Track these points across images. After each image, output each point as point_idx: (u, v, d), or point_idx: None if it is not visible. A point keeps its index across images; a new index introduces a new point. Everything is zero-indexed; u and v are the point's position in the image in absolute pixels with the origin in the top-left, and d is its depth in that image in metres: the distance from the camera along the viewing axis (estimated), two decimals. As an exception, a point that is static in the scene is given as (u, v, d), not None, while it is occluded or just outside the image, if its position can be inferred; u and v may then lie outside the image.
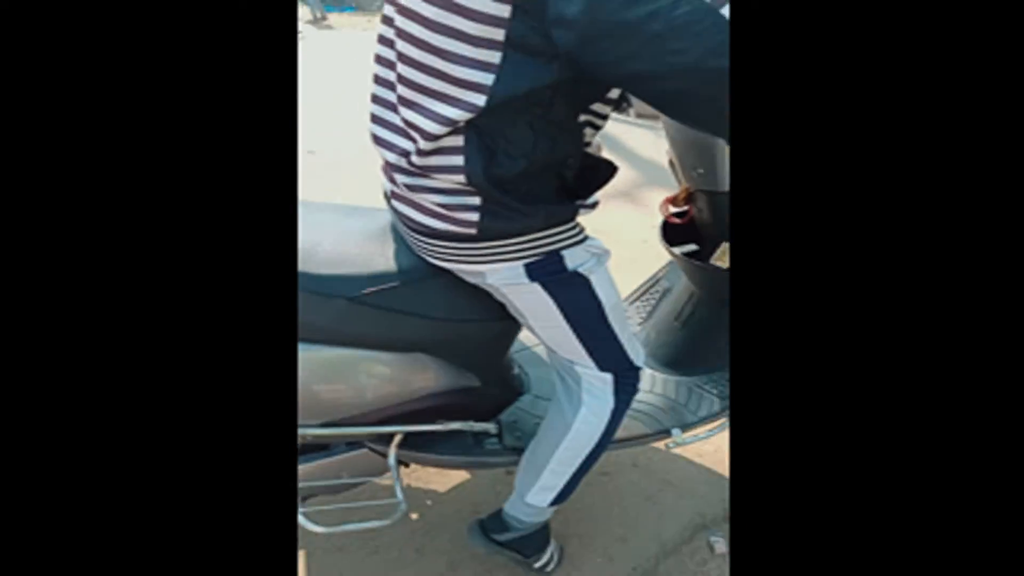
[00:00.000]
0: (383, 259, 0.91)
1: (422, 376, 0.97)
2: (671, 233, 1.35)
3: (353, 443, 1.05)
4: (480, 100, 0.66)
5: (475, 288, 0.91)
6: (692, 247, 1.36)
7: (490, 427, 1.12)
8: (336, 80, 3.61)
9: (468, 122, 0.69)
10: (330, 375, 0.91)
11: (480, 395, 1.06)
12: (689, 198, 1.29)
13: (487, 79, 0.65)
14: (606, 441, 0.99)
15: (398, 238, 0.94)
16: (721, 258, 1.26)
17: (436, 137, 0.71)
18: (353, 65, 3.82)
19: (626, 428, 1.16)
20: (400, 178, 0.79)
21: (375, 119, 0.81)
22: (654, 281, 1.54)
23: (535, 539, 1.14)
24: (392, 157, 0.78)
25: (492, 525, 1.13)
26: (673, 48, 0.55)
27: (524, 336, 1.27)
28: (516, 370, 1.22)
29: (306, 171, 2.68)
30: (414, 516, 1.31)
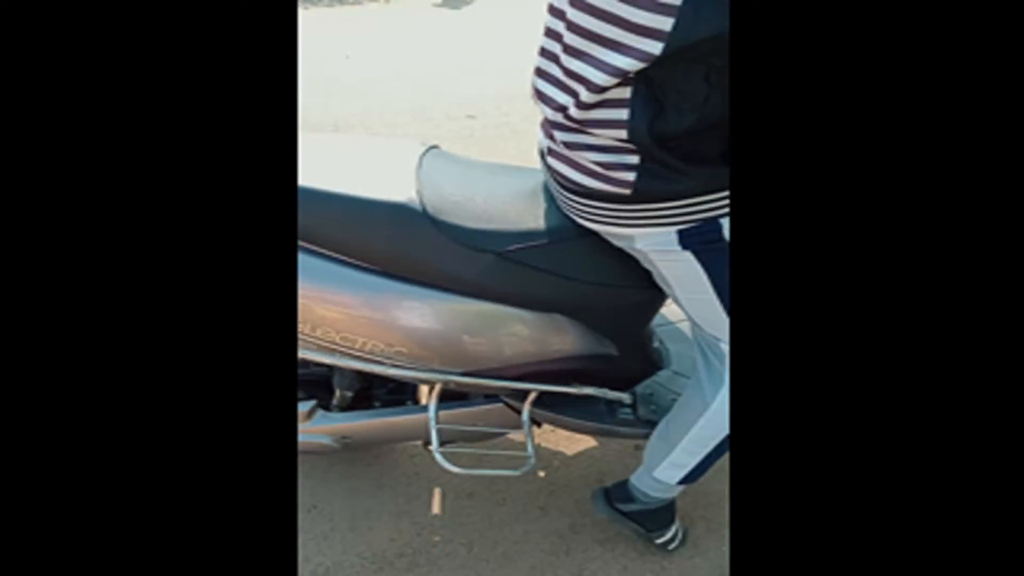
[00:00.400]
0: (532, 217, 0.91)
1: (559, 338, 0.98)
2: None
3: (490, 396, 1.09)
4: (656, 48, 0.63)
5: (622, 253, 0.89)
6: None
7: (624, 397, 1.11)
8: (485, 46, 3.70)
9: (638, 73, 0.66)
10: (473, 327, 0.94)
11: (617, 364, 1.05)
12: None
13: (665, 24, 0.61)
14: None
15: (549, 198, 0.94)
16: None
17: (603, 89, 0.68)
18: (503, 31, 3.90)
19: None
20: (558, 135, 0.78)
21: (539, 72, 0.79)
22: None
23: (660, 515, 1.14)
24: (550, 112, 0.77)
25: (617, 494, 1.13)
26: None
27: (668, 310, 1.24)
28: (657, 344, 1.20)
29: (466, 135, 2.80)
30: (541, 474, 1.36)
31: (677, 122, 0.69)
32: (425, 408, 1.05)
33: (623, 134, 0.71)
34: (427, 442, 1.11)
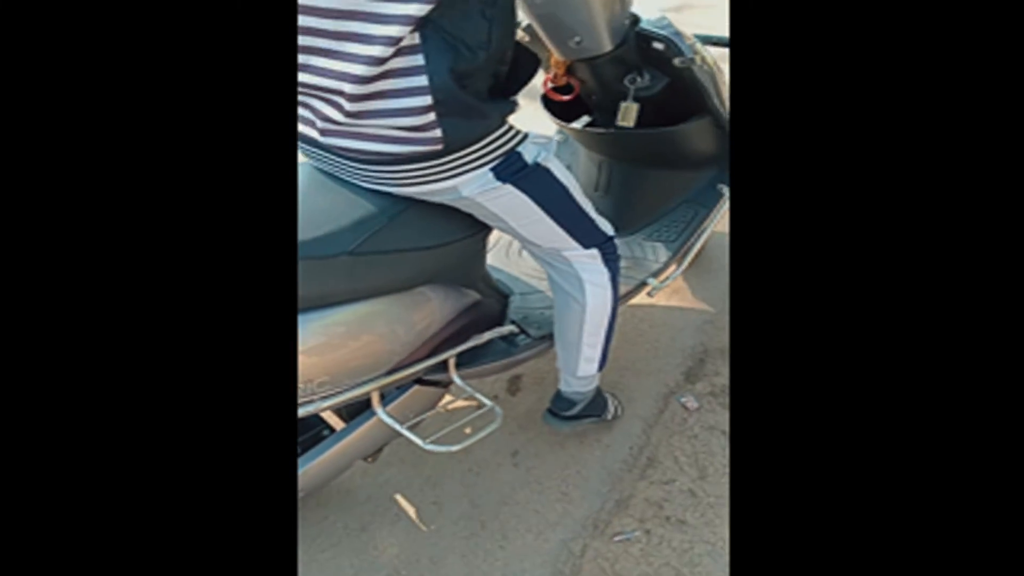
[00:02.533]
0: (352, 207, 0.89)
1: (436, 305, 1.03)
2: (559, 111, 1.36)
3: (402, 387, 1.12)
4: None
5: (446, 208, 0.94)
6: (586, 119, 1.38)
7: (512, 328, 1.21)
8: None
9: (426, 19, 0.70)
10: (368, 328, 0.94)
11: (484, 306, 1.14)
12: (568, 71, 1.27)
13: None
14: (617, 303, 1.13)
15: (340, 181, 0.93)
16: (625, 118, 1.27)
17: (397, 40, 0.69)
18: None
19: None
20: (347, 106, 0.76)
21: (305, 50, 0.75)
22: None
23: (597, 401, 1.32)
24: (332, 83, 0.75)
25: (560, 406, 1.29)
26: None
27: None
28: (493, 278, 1.28)
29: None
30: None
31: (471, 59, 0.74)
32: (373, 414, 1.06)
33: (423, 80, 0.73)
34: (371, 456, 1.15)
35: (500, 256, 1.42)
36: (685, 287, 1.78)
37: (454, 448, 1.07)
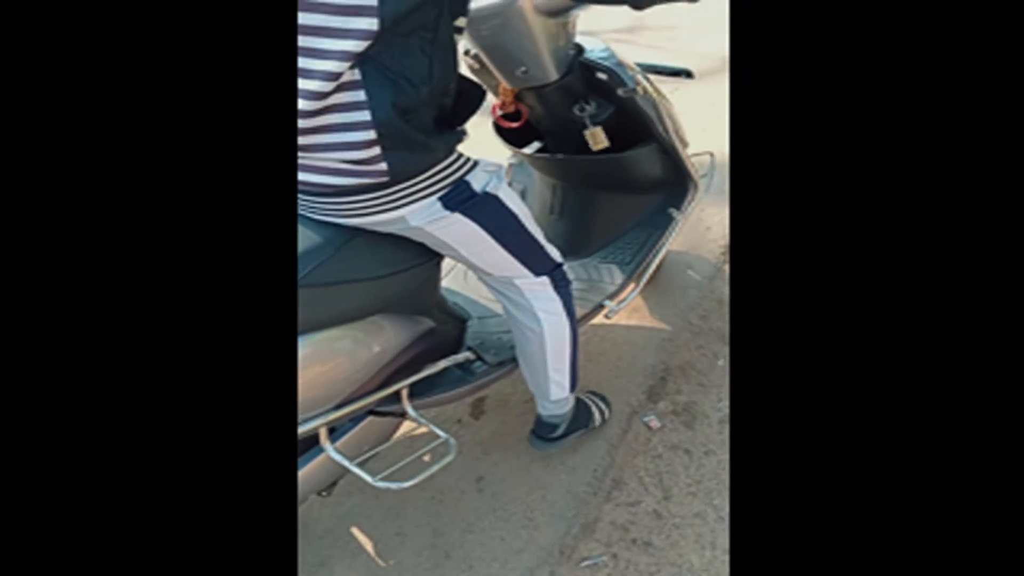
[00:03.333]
0: (301, 239, 0.89)
1: (388, 334, 1.01)
2: (510, 137, 1.39)
3: (355, 419, 1.09)
4: (373, 24, 0.67)
5: (396, 237, 0.94)
6: (537, 145, 1.43)
7: (468, 355, 1.19)
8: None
9: (363, 55, 0.70)
10: (318, 361, 0.92)
11: (439, 333, 1.14)
12: (517, 98, 1.29)
13: (371, 0, 0.67)
14: (575, 327, 1.13)
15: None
16: (595, 142, 1.29)
17: (337, 75, 0.69)
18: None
19: None
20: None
21: None
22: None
23: (580, 414, 1.32)
24: None
25: (543, 431, 1.28)
26: None
27: None
28: (450, 302, 1.28)
29: None
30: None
31: (413, 94, 0.75)
32: (321, 450, 1.02)
33: (366, 115, 0.73)
34: (325, 491, 1.12)
35: (458, 279, 1.42)
36: (643, 306, 1.80)
37: (406, 485, 1.03)
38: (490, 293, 1.30)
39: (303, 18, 0.68)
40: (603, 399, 1.42)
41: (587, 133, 1.28)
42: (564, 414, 1.27)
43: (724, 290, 1.83)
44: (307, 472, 1.05)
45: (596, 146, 1.29)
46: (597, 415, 1.38)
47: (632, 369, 1.61)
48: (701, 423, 1.46)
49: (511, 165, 1.62)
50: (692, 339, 1.68)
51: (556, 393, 1.19)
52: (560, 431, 1.28)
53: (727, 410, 1.48)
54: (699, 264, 1.94)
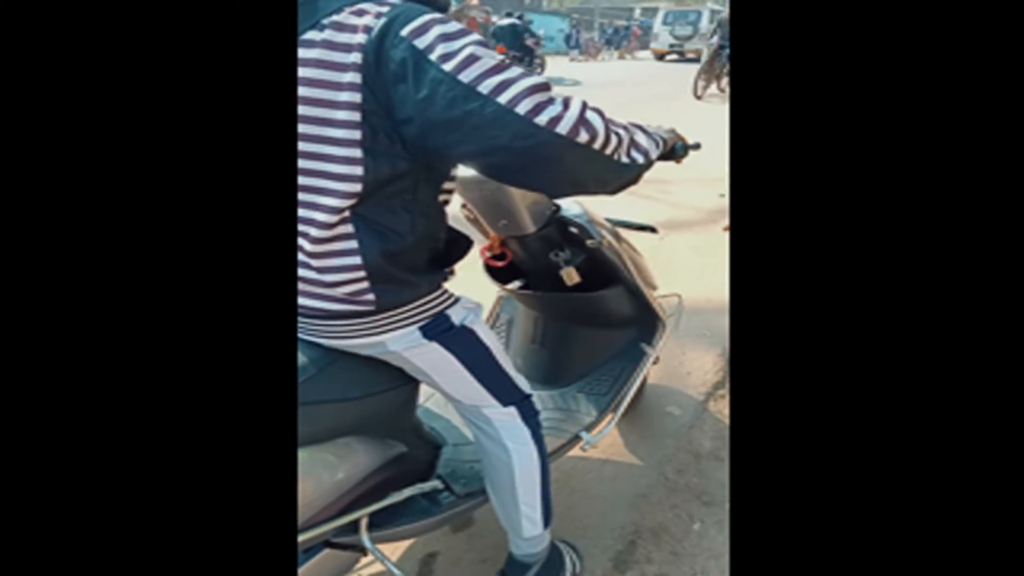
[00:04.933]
0: None
1: (356, 457, 1.01)
2: (497, 274, 1.55)
3: (308, 550, 1.03)
4: (357, 187, 0.80)
5: (376, 361, 0.98)
6: (519, 282, 1.59)
7: (436, 484, 1.17)
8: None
9: (353, 211, 0.82)
10: None
11: (409, 459, 1.13)
12: (503, 243, 1.48)
13: (357, 171, 0.80)
14: (545, 458, 1.12)
15: None
16: (569, 279, 1.44)
17: (330, 225, 0.82)
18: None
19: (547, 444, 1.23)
20: (300, 272, 0.89)
21: None
22: (495, 318, 1.75)
23: (552, 561, 1.23)
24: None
25: (514, 570, 1.20)
26: (489, 135, 0.74)
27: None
28: (426, 427, 1.29)
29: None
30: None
31: (398, 243, 0.86)
32: None
33: (358, 259, 0.84)
34: None
35: (439, 402, 1.41)
36: (623, 448, 1.66)
37: None
38: (464, 421, 1.28)
39: (307, 180, 0.81)
40: (575, 550, 1.33)
41: (562, 272, 1.43)
42: (538, 553, 1.20)
43: (702, 442, 1.70)
44: None
45: (570, 282, 1.44)
46: (568, 566, 1.28)
47: (600, 528, 1.43)
48: (673, 601, 1.27)
49: (500, 297, 1.74)
50: (667, 497, 1.52)
51: (529, 530, 1.14)
52: (533, 572, 1.20)
53: (703, 585, 1.29)
54: (678, 411, 1.83)
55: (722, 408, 1.84)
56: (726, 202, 3.57)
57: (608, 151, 0.79)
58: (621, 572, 1.33)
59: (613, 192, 0.89)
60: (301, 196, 0.82)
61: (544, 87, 0.73)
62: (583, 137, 0.74)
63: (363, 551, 1.08)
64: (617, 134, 0.80)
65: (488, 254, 1.49)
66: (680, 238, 3.06)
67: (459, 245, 1.00)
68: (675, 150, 1.17)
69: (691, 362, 2.08)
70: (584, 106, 0.76)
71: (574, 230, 1.37)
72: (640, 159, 0.86)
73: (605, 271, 1.45)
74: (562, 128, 0.72)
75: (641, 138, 0.88)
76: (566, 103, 0.74)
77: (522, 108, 0.72)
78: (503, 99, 0.72)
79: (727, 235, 3.11)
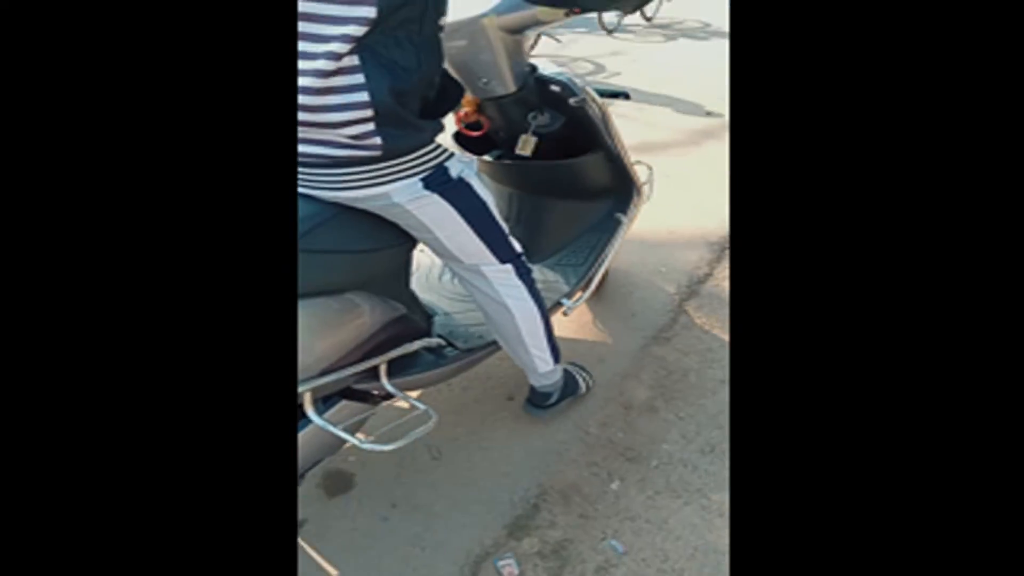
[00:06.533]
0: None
1: (365, 312, 1.05)
2: (470, 145, 1.54)
3: (328, 398, 1.10)
4: (371, 12, 0.79)
5: (375, 217, 1.01)
6: (496, 153, 1.56)
7: (440, 340, 1.26)
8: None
9: (362, 41, 0.81)
10: (305, 325, 0.94)
11: (408, 319, 1.17)
12: (479, 109, 1.44)
13: None
14: (543, 308, 1.23)
15: None
16: (523, 147, 1.43)
17: (339, 56, 0.80)
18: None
19: None
20: (300, 116, 0.86)
21: None
22: None
23: (568, 383, 1.46)
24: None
25: (538, 400, 1.42)
26: None
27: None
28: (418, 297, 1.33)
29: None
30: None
31: (406, 80, 0.86)
32: (310, 421, 1.03)
33: (365, 95, 0.84)
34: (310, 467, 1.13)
35: (420, 282, 1.50)
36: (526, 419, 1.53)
37: (389, 446, 1.08)
38: (451, 294, 1.44)
39: (312, 7, 0.79)
40: (584, 369, 1.55)
41: (522, 138, 1.41)
42: (555, 383, 1.39)
43: (636, 393, 1.56)
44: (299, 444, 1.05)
45: (521, 150, 1.42)
46: (582, 383, 1.50)
47: (497, 492, 1.31)
48: (572, 570, 1.15)
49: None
50: (584, 454, 1.39)
51: (542, 367, 1.30)
52: (554, 399, 1.42)
53: (610, 553, 1.18)
54: (613, 356, 1.67)
55: (666, 354, 1.68)
56: (708, 122, 3.29)
57: None
58: (517, 539, 1.22)
59: (636, 7, 0.96)
60: (303, 27, 0.80)
61: None
62: None
63: (381, 398, 1.17)
64: None
65: (463, 123, 1.48)
66: (651, 161, 2.83)
67: (450, 93, 1.02)
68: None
69: (638, 302, 1.90)
70: None
71: (556, 88, 1.36)
72: None
73: (584, 138, 1.47)
74: None
75: None
76: None
77: None
78: None
79: (703, 158, 2.87)
